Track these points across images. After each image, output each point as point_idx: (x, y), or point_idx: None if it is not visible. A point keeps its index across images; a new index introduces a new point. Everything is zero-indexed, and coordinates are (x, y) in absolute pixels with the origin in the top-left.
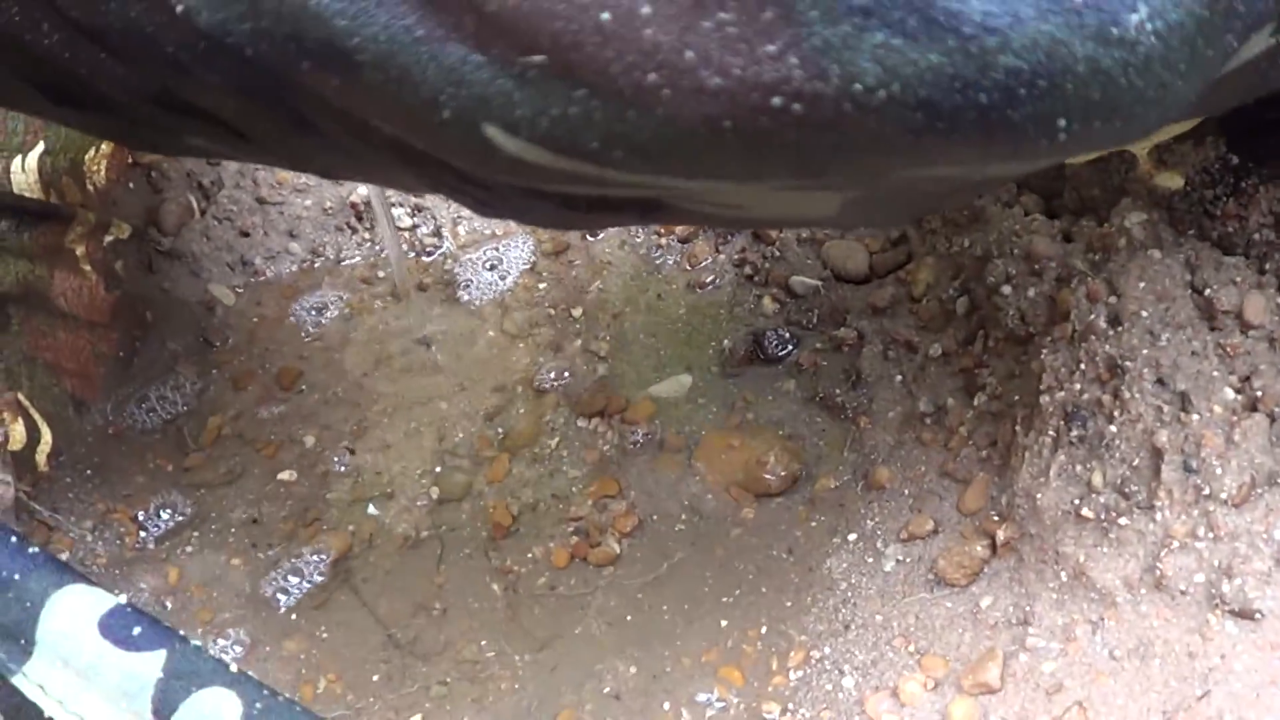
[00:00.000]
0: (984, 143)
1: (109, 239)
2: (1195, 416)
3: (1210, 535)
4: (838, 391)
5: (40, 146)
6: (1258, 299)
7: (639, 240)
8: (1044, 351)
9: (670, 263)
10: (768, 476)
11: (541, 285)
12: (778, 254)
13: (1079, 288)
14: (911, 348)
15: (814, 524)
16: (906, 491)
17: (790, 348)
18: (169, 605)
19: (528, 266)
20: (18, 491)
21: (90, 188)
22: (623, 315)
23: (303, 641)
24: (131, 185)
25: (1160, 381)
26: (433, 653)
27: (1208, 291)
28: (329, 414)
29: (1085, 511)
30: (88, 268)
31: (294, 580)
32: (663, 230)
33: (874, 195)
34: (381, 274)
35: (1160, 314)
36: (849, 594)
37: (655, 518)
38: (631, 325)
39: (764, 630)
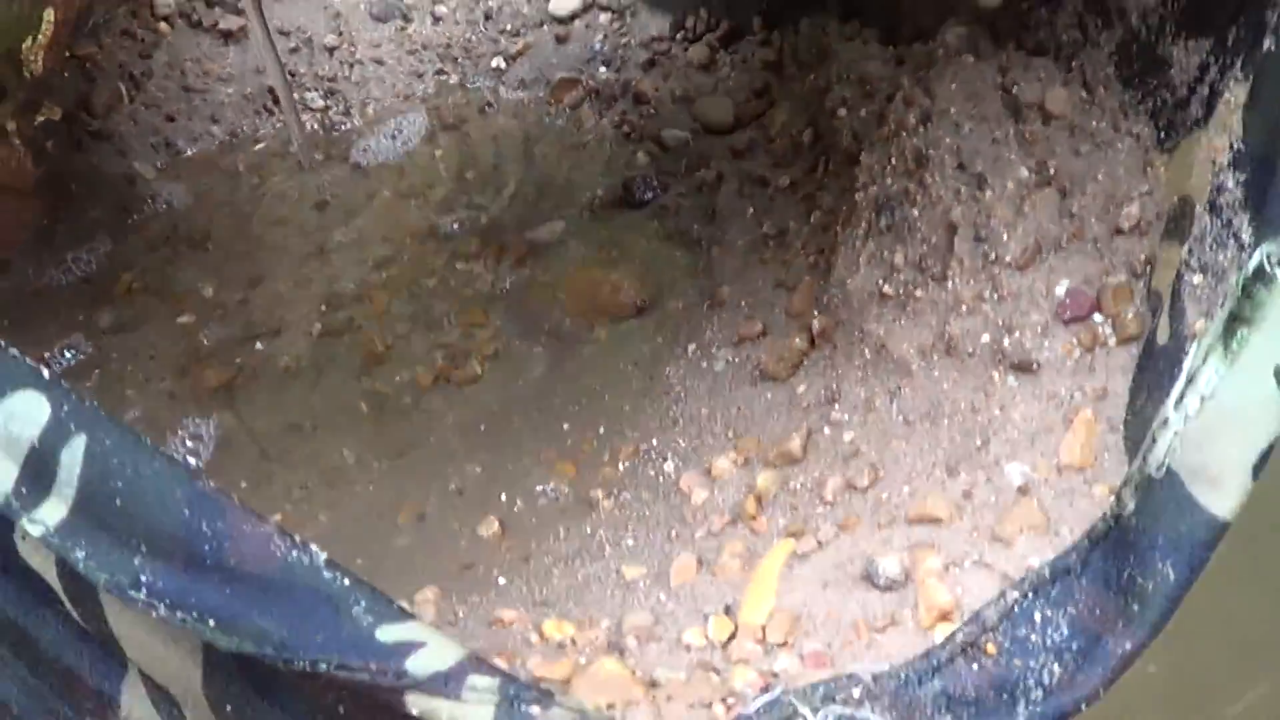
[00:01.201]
0: None
1: (40, 119)
2: (989, 193)
3: (995, 296)
4: (695, 227)
5: None
6: (1060, 92)
7: (530, 110)
8: (862, 154)
9: (557, 126)
10: (622, 300)
11: (438, 152)
12: (653, 112)
13: (897, 96)
14: (764, 182)
15: (660, 340)
16: (743, 304)
17: (655, 193)
18: None
19: (426, 136)
20: None
21: (26, 74)
22: (509, 174)
23: (183, 453)
24: (66, 74)
25: (960, 166)
26: (299, 463)
27: (1015, 90)
28: (230, 268)
29: (887, 289)
30: (17, 141)
31: (171, 409)
32: (551, 99)
33: None
34: (292, 149)
35: (967, 110)
36: (681, 394)
37: (518, 342)
38: (518, 182)
39: (601, 430)
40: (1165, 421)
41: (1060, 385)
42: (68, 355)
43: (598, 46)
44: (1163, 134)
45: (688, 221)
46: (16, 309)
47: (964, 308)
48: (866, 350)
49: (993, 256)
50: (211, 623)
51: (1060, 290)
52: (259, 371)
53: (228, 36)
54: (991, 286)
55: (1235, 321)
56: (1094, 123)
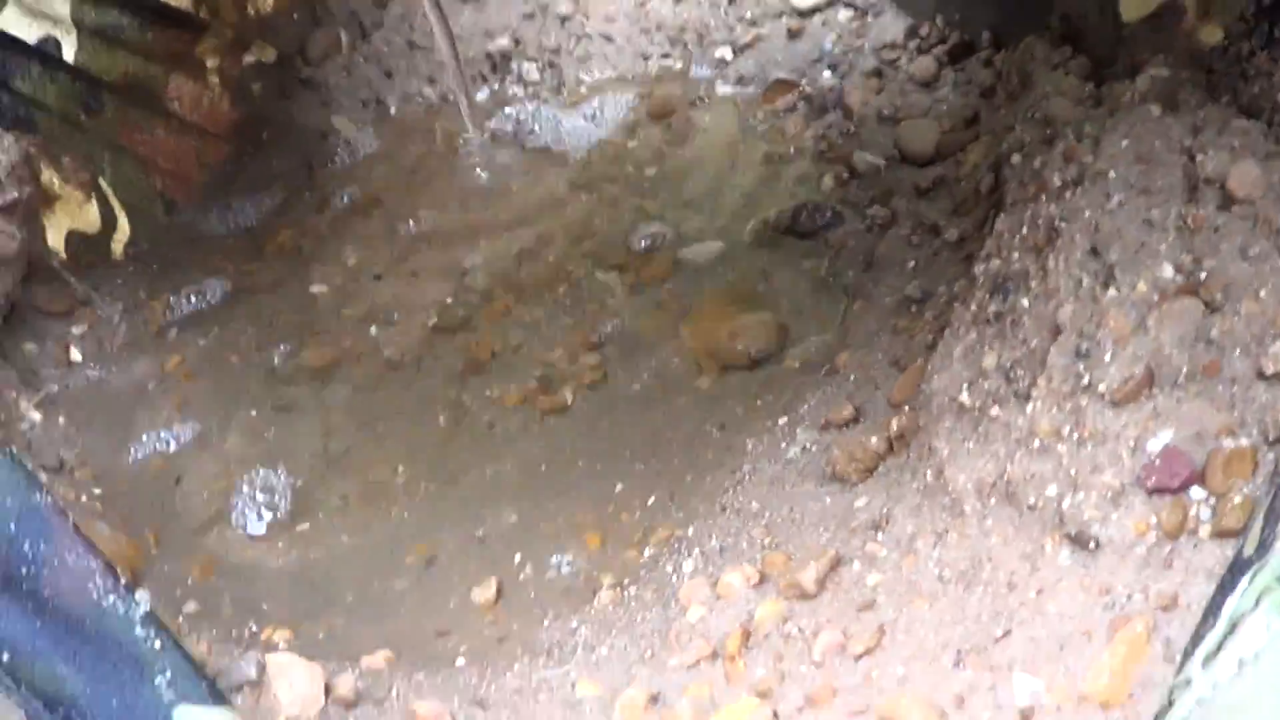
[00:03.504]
0: None
1: (250, 59)
2: (1113, 292)
3: (1075, 435)
4: (850, 272)
5: None
6: (1250, 169)
7: (740, 109)
8: (1001, 214)
9: (760, 131)
10: (738, 349)
11: (632, 144)
12: (854, 130)
13: (1058, 147)
14: (935, 231)
15: (759, 403)
16: (853, 378)
17: (825, 225)
18: (150, 387)
19: (629, 125)
20: (50, 260)
21: (251, 10)
22: (691, 179)
23: (250, 435)
24: (296, 15)
25: (1093, 251)
26: (351, 470)
27: (1199, 156)
28: (383, 239)
29: (964, 399)
30: (215, 79)
31: (264, 384)
32: (764, 100)
33: None
34: (493, 123)
35: (1130, 177)
36: (745, 477)
37: (621, 374)
38: (696, 188)
39: (651, 501)
40: (1188, 682)
41: (1119, 578)
42: (193, 300)
43: (827, 47)
44: None
45: (845, 264)
46: (171, 249)
47: (1036, 443)
48: (928, 473)
49: (1087, 381)
50: (6, 655)
51: (1155, 445)
52: (363, 359)
53: None
54: (1075, 421)
55: None
56: None
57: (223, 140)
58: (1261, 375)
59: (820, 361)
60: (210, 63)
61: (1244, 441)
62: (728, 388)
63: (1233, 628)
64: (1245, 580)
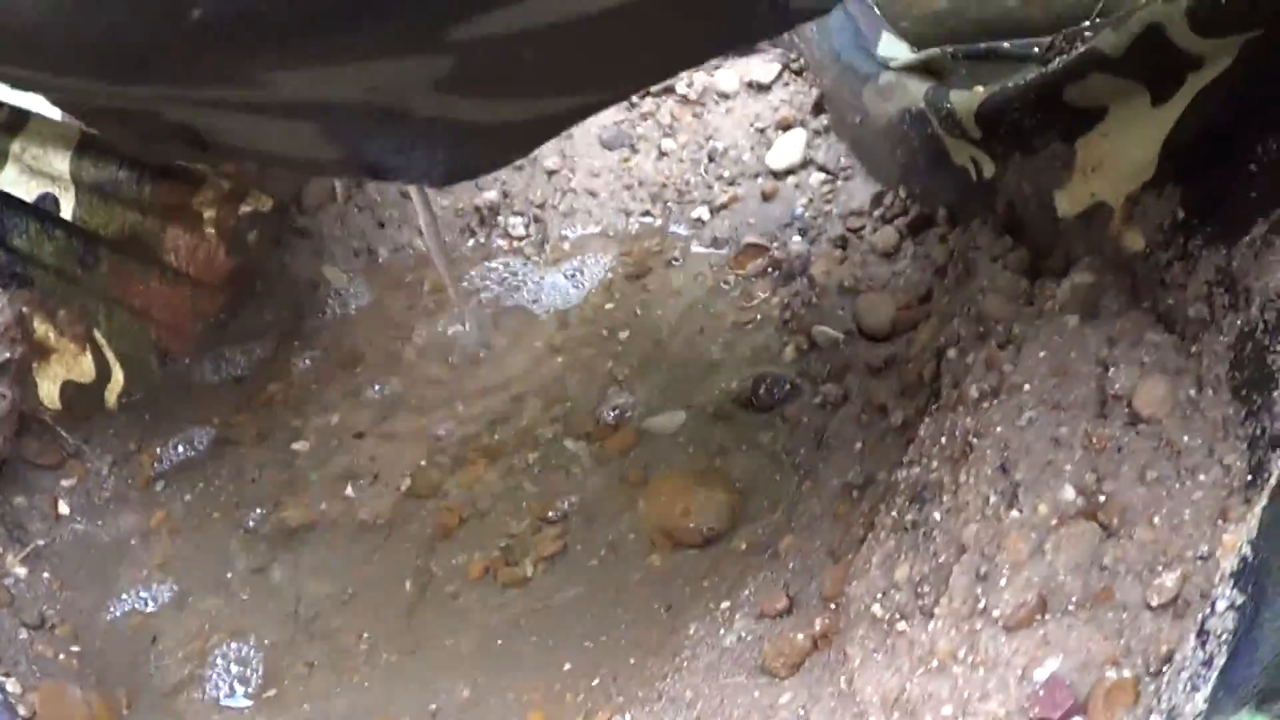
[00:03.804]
0: None
1: (246, 209)
2: (1015, 514)
3: (969, 660)
4: (802, 450)
5: None
6: (1158, 386)
7: (711, 272)
8: (925, 421)
9: (730, 295)
10: (691, 526)
11: (609, 305)
12: (814, 301)
13: (981, 353)
14: (884, 411)
15: (706, 583)
16: (792, 565)
17: (785, 398)
18: (133, 543)
19: (605, 284)
20: (42, 415)
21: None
22: (663, 344)
23: (223, 598)
24: None
25: (1003, 468)
26: (319, 635)
27: (1111, 370)
28: (365, 397)
29: (877, 610)
30: (211, 230)
31: (243, 544)
32: (734, 263)
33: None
34: (477, 279)
35: (1043, 391)
36: (683, 664)
37: (579, 548)
38: (665, 354)
39: (595, 683)
40: None
41: None
42: (181, 450)
43: (798, 211)
44: (1252, 475)
45: (798, 441)
46: (163, 399)
47: (935, 663)
48: (841, 679)
49: (984, 604)
50: None
51: (1041, 674)
52: (338, 521)
53: None
54: (970, 644)
55: None
56: (1186, 438)
57: (218, 290)
58: (1148, 606)
59: (767, 543)
60: (207, 214)
61: (1126, 673)
62: (678, 566)
63: None
64: None
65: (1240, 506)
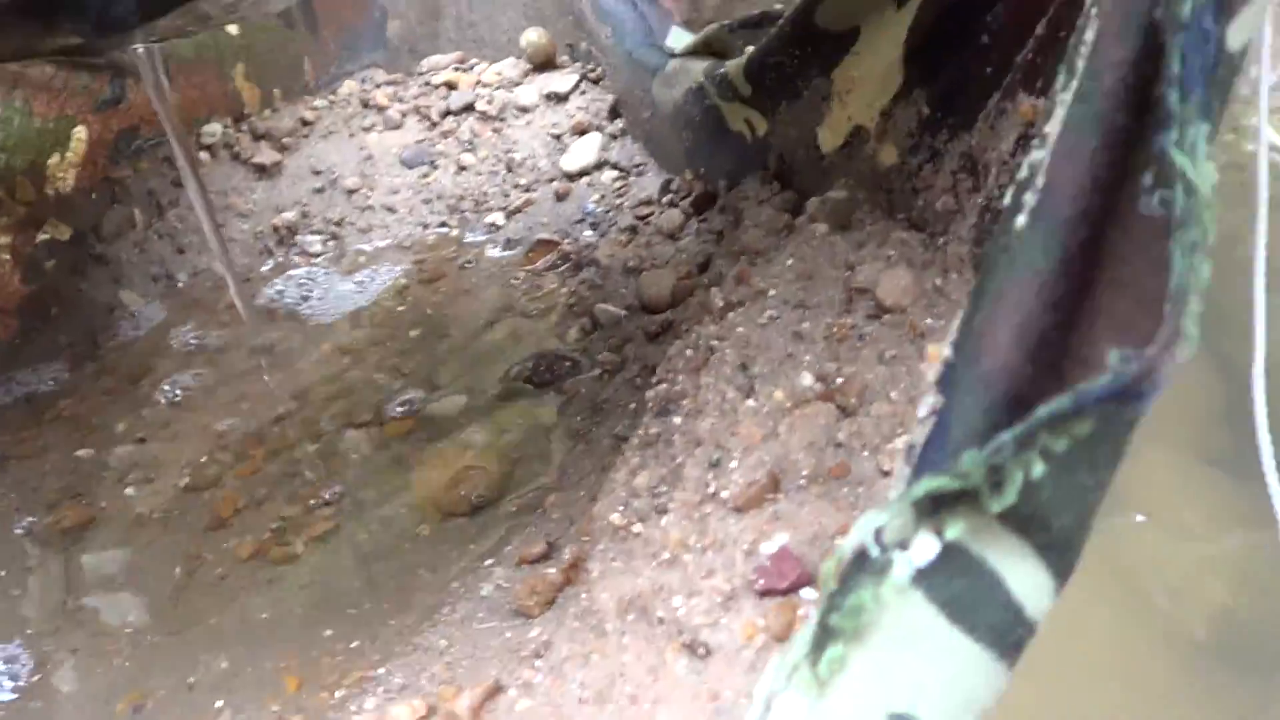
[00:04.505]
0: None
1: (44, 236)
2: (751, 403)
3: (699, 546)
4: (579, 418)
5: None
6: (899, 277)
7: (504, 271)
8: (675, 343)
9: (521, 290)
10: (460, 496)
11: (400, 308)
12: (599, 283)
13: (731, 273)
14: (655, 371)
15: (473, 546)
16: (555, 516)
17: (564, 373)
18: None
19: (398, 289)
20: None
21: (50, 191)
22: (450, 338)
23: None
24: (94, 195)
25: (743, 365)
26: (87, 619)
27: (858, 268)
28: (153, 406)
29: (616, 519)
30: (6, 257)
31: (17, 547)
32: (526, 260)
33: None
34: (270, 293)
35: (791, 294)
36: (441, 617)
37: (351, 525)
38: (454, 347)
39: (354, 644)
40: None
41: (726, 683)
42: None
43: (589, 207)
44: None
45: (575, 410)
46: None
47: (667, 555)
48: (583, 595)
49: (712, 489)
50: None
51: (769, 548)
52: (115, 517)
53: (262, 171)
54: (700, 530)
55: (826, 633)
56: (929, 320)
57: (10, 315)
58: (883, 473)
59: (535, 504)
60: (2, 240)
61: None
62: (446, 534)
63: (768, 707)
64: (776, 657)
65: None
